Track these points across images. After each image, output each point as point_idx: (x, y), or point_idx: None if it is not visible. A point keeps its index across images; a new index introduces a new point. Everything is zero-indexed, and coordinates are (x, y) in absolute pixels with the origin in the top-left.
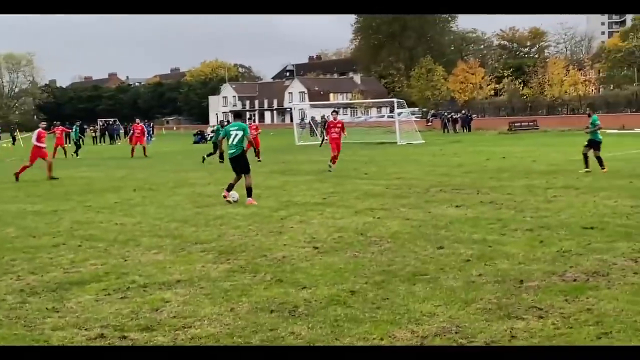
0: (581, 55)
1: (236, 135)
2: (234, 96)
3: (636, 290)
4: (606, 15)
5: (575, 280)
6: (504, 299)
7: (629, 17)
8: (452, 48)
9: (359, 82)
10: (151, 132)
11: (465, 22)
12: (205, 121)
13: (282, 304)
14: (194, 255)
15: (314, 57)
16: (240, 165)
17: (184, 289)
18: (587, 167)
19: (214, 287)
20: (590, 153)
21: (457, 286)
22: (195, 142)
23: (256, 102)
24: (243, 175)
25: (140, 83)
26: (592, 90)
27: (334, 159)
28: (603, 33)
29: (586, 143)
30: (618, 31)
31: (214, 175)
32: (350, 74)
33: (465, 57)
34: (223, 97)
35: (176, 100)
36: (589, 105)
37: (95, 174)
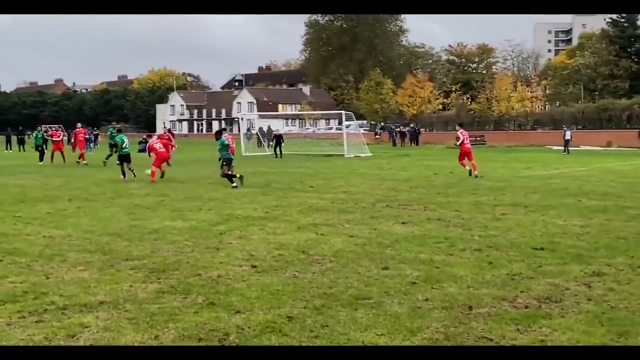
0: (528, 72)
1: (127, 142)
2: (181, 105)
3: (591, 319)
4: (553, 33)
5: (527, 307)
6: (452, 328)
7: (575, 35)
8: (401, 62)
9: (308, 93)
10: (92, 139)
11: (414, 37)
12: (152, 129)
13: (211, 331)
14: (122, 273)
15: (264, 67)
16: (128, 159)
17: (107, 312)
18: None
19: (140, 311)
20: None
21: (402, 312)
22: (139, 151)
23: (204, 111)
24: (127, 164)
25: (86, 90)
26: (539, 106)
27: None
28: (550, 51)
29: None
30: (564, 49)
31: (154, 185)
32: (300, 85)
33: (414, 71)
34: (171, 105)
35: (123, 107)
36: (537, 121)
37: (32, 181)
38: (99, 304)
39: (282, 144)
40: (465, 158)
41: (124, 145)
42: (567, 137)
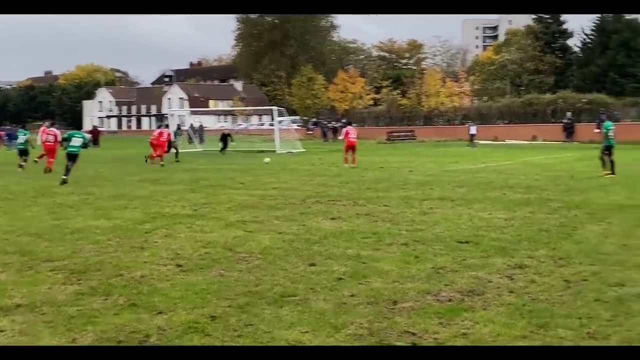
0: (456, 68)
1: (23, 138)
2: (110, 101)
3: (512, 311)
4: (480, 29)
5: (450, 300)
6: (376, 323)
7: (501, 32)
8: (333, 57)
9: (240, 89)
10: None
11: (345, 33)
12: (79, 126)
13: (132, 333)
14: (41, 275)
15: (194, 63)
16: (75, 158)
17: (23, 315)
18: (611, 172)
19: (58, 313)
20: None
21: (327, 309)
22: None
23: (134, 107)
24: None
25: (11, 86)
26: (467, 102)
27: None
28: (477, 47)
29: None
30: (491, 45)
31: (79, 183)
32: (231, 81)
33: (346, 67)
34: (99, 101)
35: (49, 104)
36: (465, 116)
37: None
38: (15, 307)
39: (230, 142)
40: (350, 151)
41: (73, 143)
42: (473, 132)
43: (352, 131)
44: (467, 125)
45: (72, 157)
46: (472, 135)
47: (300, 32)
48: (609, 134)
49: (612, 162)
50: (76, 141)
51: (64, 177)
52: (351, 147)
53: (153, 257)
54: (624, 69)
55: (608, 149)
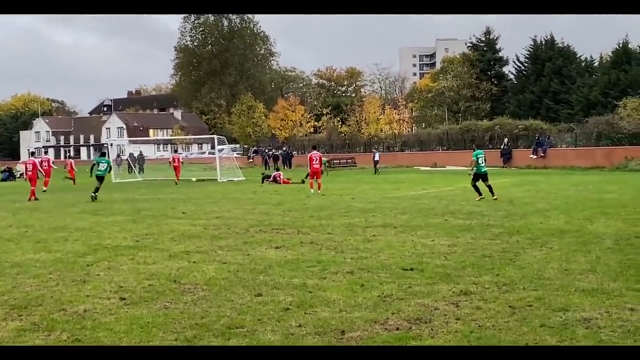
0: (395, 95)
1: (104, 164)
2: (47, 131)
3: (460, 339)
4: (417, 57)
5: (397, 328)
6: None
7: (438, 60)
8: (273, 86)
9: (179, 118)
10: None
11: (284, 61)
12: (17, 157)
13: None
14: None
15: (133, 92)
16: (102, 180)
17: None
18: (481, 195)
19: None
20: (480, 183)
21: (275, 340)
22: (2, 180)
23: (71, 137)
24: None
25: None
26: (407, 128)
27: (319, 185)
28: (415, 74)
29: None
30: (429, 72)
31: (17, 216)
32: (171, 110)
33: (286, 95)
34: (35, 132)
35: None
36: (404, 143)
37: None
38: None
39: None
40: (314, 177)
41: (100, 168)
42: (377, 158)
43: (315, 157)
44: (372, 152)
45: (100, 179)
46: (376, 162)
47: (240, 61)
48: (479, 161)
49: (489, 187)
50: (102, 166)
51: (94, 194)
52: (315, 174)
53: (96, 291)
54: (558, 96)
55: (478, 177)
